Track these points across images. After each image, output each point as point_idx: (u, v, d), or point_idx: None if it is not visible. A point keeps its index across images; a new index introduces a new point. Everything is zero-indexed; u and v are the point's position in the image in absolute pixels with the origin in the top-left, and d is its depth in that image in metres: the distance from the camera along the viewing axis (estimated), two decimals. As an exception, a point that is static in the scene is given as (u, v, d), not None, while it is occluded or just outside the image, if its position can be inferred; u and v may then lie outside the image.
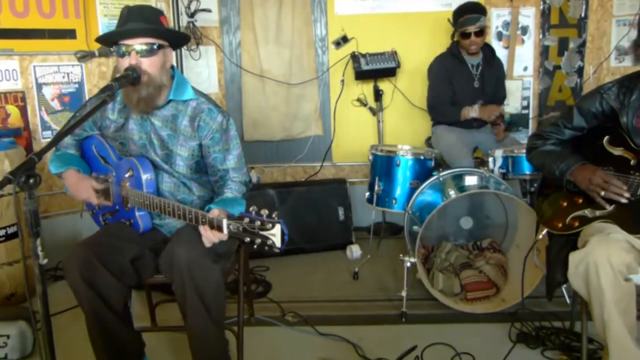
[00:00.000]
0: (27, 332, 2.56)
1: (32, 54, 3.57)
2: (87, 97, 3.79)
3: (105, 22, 3.76)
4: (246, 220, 1.71)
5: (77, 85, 3.77)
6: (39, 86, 3.62)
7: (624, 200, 2.03)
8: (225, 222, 1.78)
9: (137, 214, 2.16)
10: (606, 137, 2.17)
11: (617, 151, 2.13)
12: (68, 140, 2.30)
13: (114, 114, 2.20)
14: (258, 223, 1.68)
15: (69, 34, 3.67)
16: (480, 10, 3.56)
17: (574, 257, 1.99)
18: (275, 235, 1.66)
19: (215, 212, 1.89)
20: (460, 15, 3.56)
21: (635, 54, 2.11)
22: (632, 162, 2.08)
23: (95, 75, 3.83)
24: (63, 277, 3.36)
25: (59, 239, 3.58)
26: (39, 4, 3.52)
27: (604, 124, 2.19)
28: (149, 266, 2.15)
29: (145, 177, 2.12)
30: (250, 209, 1.71)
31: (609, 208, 2.09)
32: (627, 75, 2.15)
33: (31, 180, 1.48)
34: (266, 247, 1.68)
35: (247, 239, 1.71)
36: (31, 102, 3.61)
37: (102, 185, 2.21)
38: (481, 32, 3.52)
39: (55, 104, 3.70)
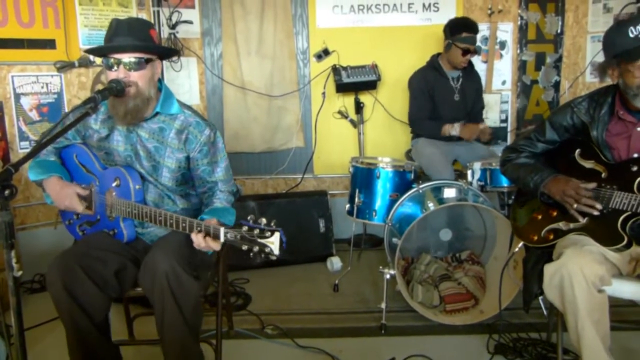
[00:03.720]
0: (1, 347, 2.51)
1: (10, 63, 3.53)
2: (66, 108, 3.76)
3: (85, 32, 3.75)
4: (245, 228, 1.73)
5: (56, 96, 3.74)
6: (17, 96, 3.58)
7: (595, 213, 2.07)
8: (222, 230, 1.80)
9: (121, 223, 2.15)
10: (578, 150, 2.22)
11: (589, 164, 2.18)
12: (48, 147, 2.27)
13: (96, 124, 2.19)
14: (257, 231, 1.71)
15: (49, 44, 3.64)
16: (477, 30, 3.65)
17: (548, 269, 2.03)
18: (274, 243, 1.70)
19: (212, 221, 1.91)
20: (463, 31, 3.59)
21: (600, 75, 2.16)
22: (603, 175, 2.13)
23: (75, 86, 3.80)
24: (40, 290, 3.36)
25: (35, 252, 3.52)
26: (18, 13, 3.49)
27: (576, 137, 2.24)
28: (130, 278, 2.13)
29: (134, 186, 2.11)
30: (249, 217, 1.74)
31: (582, 220, 2.14)
32: (596, 90, 2.21)
33: (7, 192, 1.47)
34: (263, 255, 1.71)
35: (245, 247, 1.73)
36: (9, 112, 3.57)
37: (86, 191, 2.19)
38: (476, 51, 3.65)
39: (34, 114, 3.66)
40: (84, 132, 2.24)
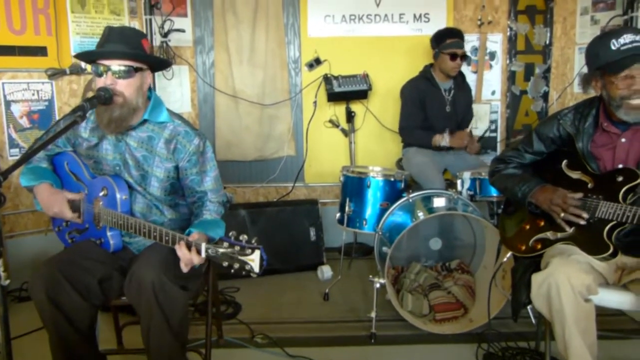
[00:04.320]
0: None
1: (1, 70, 3.53)
2: (57, 115, 3.75)
3: (77, 40, 3.75)
4: (225, 244, 1.74)
5: (47, 103, 3.73)
6: (7, 103, 3.58)
7: (582, 222, 2.10)
8: (204, 245, 1.80)
9: (108, 233, 2.15)
10: (564, 161, 2.25)
11: (576, 175, 2.21)
12: (40, 154, 2.28)
13: (86, 133, 2.19)
14: (237, 248, 1.72)
15: (40, 51, 3.64)
16: (462, 36, 3.70)
17: (536, 279, 2.05)
18: (254, 260, 1.71)
19: (195, 235, 1.91)
20: (447, 38, 3.64)
21: (584, 87, 2.20)
22: (589, 185, 2.15)
23: (66, 93, 3.80)
24: (28, 299, 3.33)
25: (24, 260, 3.50)
26: (9, 20, 3.49)
27: (562, 148, 2.27)
28: (116, 287, 2.12)
29: (120, 196, 2.11)
30: (230, 234, 1.75)
31: (569, 230, 2.16)
32: (582, 101, 2.24)
33: (-4, 200, 1.47)
34: (243, 272, 1.72)
35: (225, 263, 1.74)
36: (-1, 119, 3.56)
37: (76, 198, 2.18)
38: (465, 56, 3.66)
39: (24, 122, 3.65)
40: (73, 140, 2.24)
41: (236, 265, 1.73)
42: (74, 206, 2.19)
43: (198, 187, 2.21)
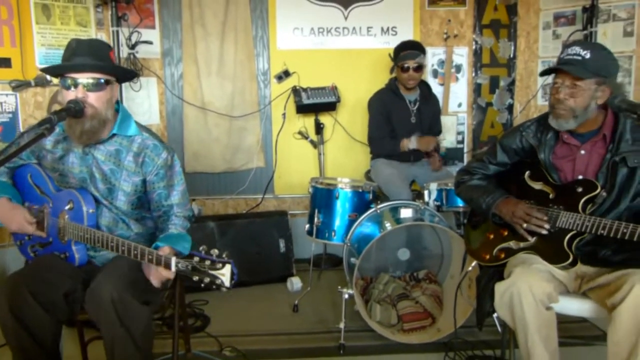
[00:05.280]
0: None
1: (-37, 82, 3.47)
2: (21, 127, 3.68)
3: (42, 51, 3.70)
4: (196, 259, 1.74)
5: (10, 115, 3.66)
6: (-31, 115, 3.51)
7: (544, 232, 2.15)
8: (174, 260, 1.80)
9: (73, 247, 2.12)
10: (527, 172, 2.30)
11: (538, 185, 2.26)
12: (0, 167, 2.23)
13: (51, 145, 2.16)
14: (208, 262, 1.72)
15: (4, 62, 3.58)
16: (420, 48, 3.75)
17: (499, 288, 2.09)
18: (224, 275, 1.72)
19: (166, 249, 1.90)
20: (401, 51, 3.73)
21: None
22: (551, 196, 2.21)
23: (31, 105, 3.74)
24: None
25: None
26: (-28, 31, 3.44)
27: (525, 159, 2.33)
28: (80, 301, 2.08)
29: (87, 210, 2.08)
30: (200, 248, 1.76)
31: (531, 240, 2.21)
32: (544, 113, 2.30)
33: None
34: (214, 286, 1.72)
35: (196, 278, 1.74)
36: (-39, 132, 3.48)
37: (34, 219, 2.15)
38: (419, 68, 3.70)
39: (-13, 134, 3.58)
40: (38, 153, 2.20)
41: (207, 280, 1.73)
42: (35, 221, 2.15)
43: (165, 201, 2.19)
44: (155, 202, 2.21)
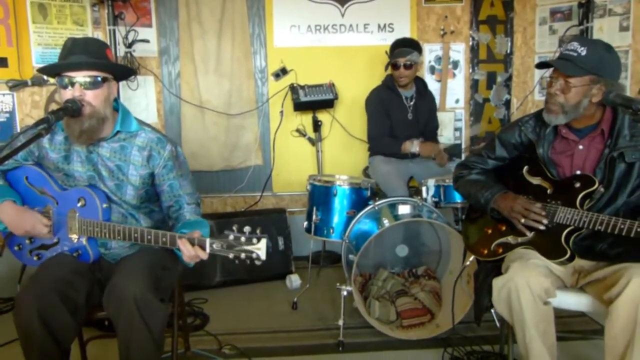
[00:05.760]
0: None
1: (-41, 82, 3.46)
2: (18, 127, 3.68)
3: (39, 51, 3.70)
4: (231, 237, 1.81)
5: (8, 115, 3.67)
6: (-33, 115, 3.51)
7: (541, 227, 2.15)
8: (208, 241, 1.85)
9: (86, 244, 2.11)
10: (525, 167, 2.30)
11: (536, 180, 2.26)
12: None
13: (52, 145, 2.15)
14: (243, 239, 1.79)
15: (0, 62, 3.58)
16: (414, 46, 3.74)
17: (497, 283, 2.09)
18: (260, 248, 1.79)
19: (196, 233, 1.92)
20: (395, 48, 3.75)
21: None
22: (549, 191, 2.21)
23: (28, 105, 3.74)
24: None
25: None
26: (-32, 31, 3.43)
27: (524, 154, 2.33)
28: (96, 301, 2.07)
29: (101, 205, 2.09)
30: (233, 227, 1.82)
31: (529, 235, 2.21)
32: (542, 108, 2.30)
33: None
34: (249, 261, 1.80)
35: (231, 255, 1.81)
36: (-43, 132, 3.48)
37: (49, 221, 2.14)
38: (410, 66, 3.69)
39: (-16, 134, 3.58)
40: (37, 153, 2.19)
41: (242, 256, 1.80)
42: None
43: (177, 191, 2.21)
44: (166, 194, 2.21)
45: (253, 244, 1.78)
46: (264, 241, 1.79)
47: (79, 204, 2.10)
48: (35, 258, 2.23)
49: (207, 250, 1.86)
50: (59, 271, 2.02)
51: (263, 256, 1.79)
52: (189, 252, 1.88)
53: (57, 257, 2.14)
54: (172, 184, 2.20)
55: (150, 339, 1.92)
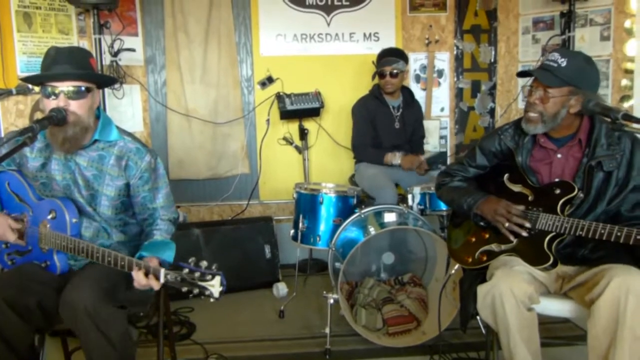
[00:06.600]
0: None
1: (-57, 91, 3.43)
2: (3, 137, 3.65)
3: (24, 59, 3.68)
4: (185, 270, 1.75)
5: (-8, 124, 3.64)
6: (-50, 125, 3.47)
7: (524, 233, 2.18)
8: (162, 272, 1.81)
9: (55, 256, 2.10)
10: (506, 175, 2.33)
11: (517, 187, 2.29)
12: None
13: (32, 153, 2.15)
14: (198, 274, 1.73)
15: (-16, 71, 3.56)
16: (400, 55, 3.80)
17: (481, 290, 2.11)
18: (214, 286, 1.73)
19: (153, 261, 1.90)
20: (382, 57, 3.80)
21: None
22: (530, 198, 2.24)
23: (13, 114, 3.71)
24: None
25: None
26: (-49, 40, 3.41)
27: (504, 162, 2.36)
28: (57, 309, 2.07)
29: (70, 219, 2.08)
30: (190, 260, 1.77)
31: (513, 240, 2.23)
32: (522, 117, 2.33)
33: None
34: (202, 297, 1.74)
35: (185, 289, 1.76)
36: (-60, 142, 3.44)
37: (19, 225, 2.14)
38: (396, 75, 3.73)
39: (-33, 144, 3.54)
40: (18, 160, 2.19)
41: (196, 291, 1.75)
42: (17, 228, 2.13)
43: (150, 204, 2.20)
44: (140, 206, 2.21)
45: (207, 281, 1.73)
46: (218, 278, 1.73)
47: (49, 216, 2.10)
48: (9, 262, 2.24)
49: (162, 280, 1.82)
50: (12, 277, 2.04)
51: (216, 294, 1.74)
52: (139, 282, 1.87)
53: (25, 265, 2.15)
54: (145, 196, 2.19)
55: (109, 346, 1.91)
